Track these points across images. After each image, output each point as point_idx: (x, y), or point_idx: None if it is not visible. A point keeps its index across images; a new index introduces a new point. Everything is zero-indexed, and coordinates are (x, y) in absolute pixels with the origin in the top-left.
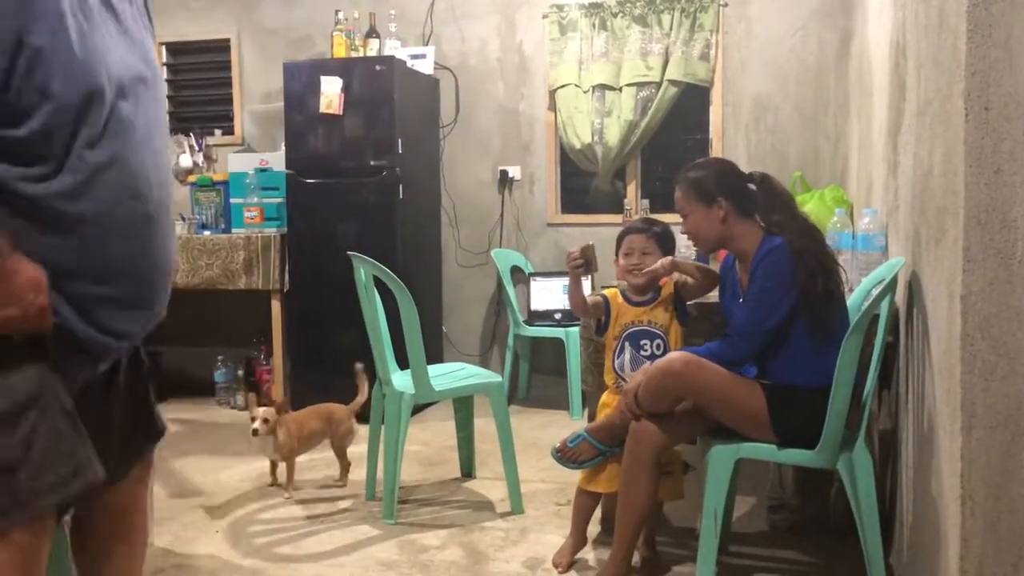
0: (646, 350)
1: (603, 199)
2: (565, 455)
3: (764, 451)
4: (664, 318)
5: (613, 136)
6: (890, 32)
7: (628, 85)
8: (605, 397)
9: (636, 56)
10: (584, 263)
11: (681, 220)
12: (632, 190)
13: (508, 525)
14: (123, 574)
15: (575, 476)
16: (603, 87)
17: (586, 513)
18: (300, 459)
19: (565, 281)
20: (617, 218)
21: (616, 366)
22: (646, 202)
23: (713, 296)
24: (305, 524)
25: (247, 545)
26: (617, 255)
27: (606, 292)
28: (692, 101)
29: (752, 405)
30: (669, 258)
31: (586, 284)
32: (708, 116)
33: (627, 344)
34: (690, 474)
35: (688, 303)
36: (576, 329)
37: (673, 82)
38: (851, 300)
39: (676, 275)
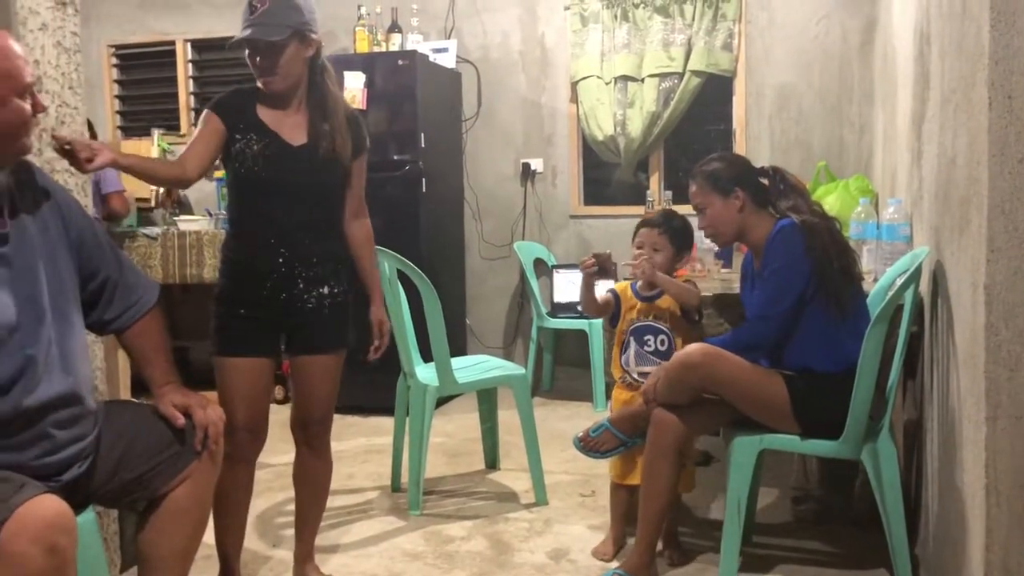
0: (650, 345)
1: (626, 191)
2: (588, 445)
3: (787, 442)
4: (669, 315)
5: (636, 127)
6: (914, 20)
7: (650, 76)
8: (616, 392)
9: (658, 47)
10: (599, 270)
11: (698, 216)
12: (655, 181)
13: (532, 516)
14: (180, 556)
15: (599, 467)
16: (625, 78)
17: (623, 507)
18: None
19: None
20: (640, 209)
21: (622, 361)
22: (669, 193)
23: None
24: (331, 515)
25: (274, 536)
26: (632, 245)
27: (616, 286)
28: (715, 91)
29: (774, 396)
30: (652, 270)
31: (609, 283)
32: (731, 106)
33: (632, 339)
34: (713, 465)
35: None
36: (599, 321)
37: (696, 73)
38: (875, 290)
39: (685, 271)
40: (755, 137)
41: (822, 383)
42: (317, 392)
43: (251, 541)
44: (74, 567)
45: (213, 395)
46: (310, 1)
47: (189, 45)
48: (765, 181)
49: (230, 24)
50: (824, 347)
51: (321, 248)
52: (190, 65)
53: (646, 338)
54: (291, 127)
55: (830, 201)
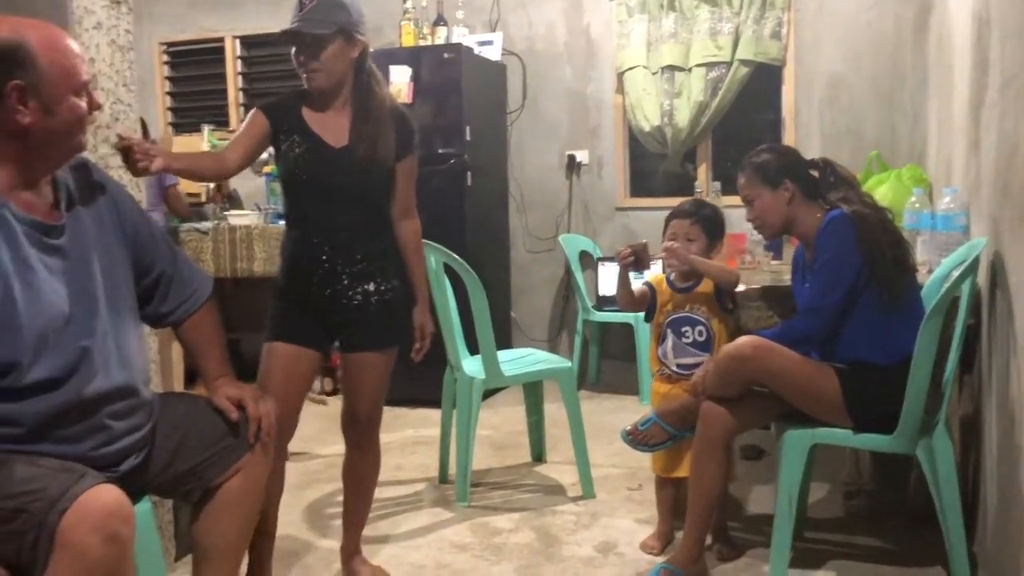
0: (687, 336)
1: (673, 182)
2: (636, 438)
3: (840, 436)
4: (706, 304)
5: (683, 118)
6: (972, 4)
7: (698, 66)
8: (654, 384)
9: (705, 36)
10: (634, 260)
11: (746, 207)
12: (703, 172)
13: (579, 509)
14: (232, 546)
15: (646, 461)
16: (672, 68)
17: (670, 501)
18: None
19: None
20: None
21: (660, 354)
22: (718, 184)
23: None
24: (380, 506)
25: (324, 526)
26: (664, 236)
27: (651, 279)
28: (764, 80)
29: (826, 389)
30: (685, 254)
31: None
32: (780, 96)
33: (669, 331)
34: (764, 459)
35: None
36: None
37: (744, 62)
38: (930, 281)
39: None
40: (805, 126)
41: (875, 376)
42: (364, 389)
43: (300, 531)
44: (132, 555)
45: None
46: (359, 3)
47: (238, 42)
48: (815, 173)
49: (278, 20)
50: (877, 339)
51: (365, 246)
52: (239, 61)
53: (684, 329)
54: (333, 129)
55: (882, 191)
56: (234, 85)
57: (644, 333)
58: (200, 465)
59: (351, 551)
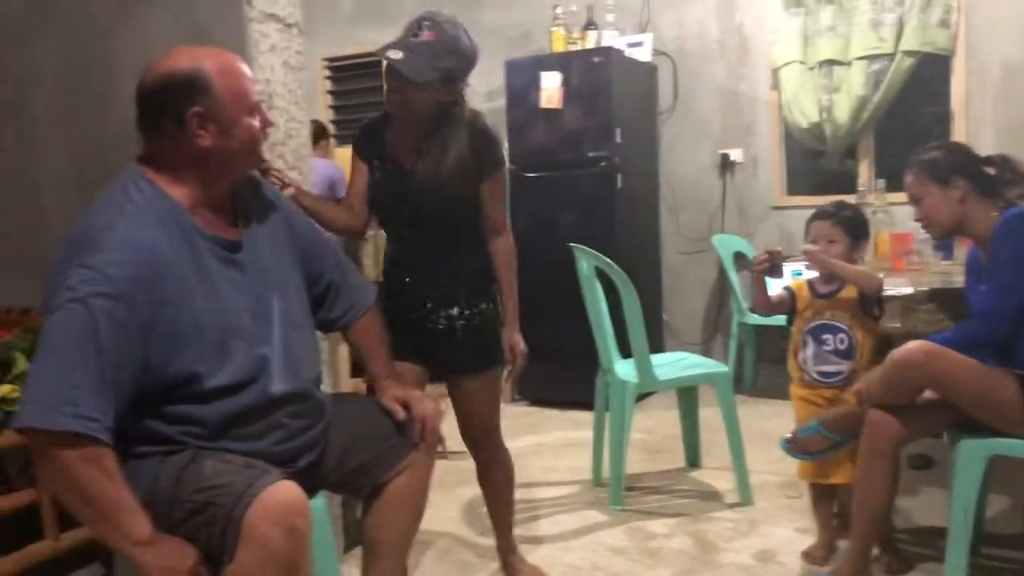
0: (828, 344)
1: (833, 179)
2: (796, 446)
3: (1022, 447)
4: (849, 311)
5: (843, 113)
6: None
7: (858, 59)
8: (793, 390)
9: (866, 28)
10: (770, 266)
11: (913, 207)
12: (864, 169)
13: (737, 516)
14: (400, 542)
15: None
16: (830, 62)
17: (827, 508)
18: (526, 444)
19: (794, 266)
20: (850, 198)
21: (800, 360)
22: (882, 182)
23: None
24: (534, 507)
25: (481, 525)
26: (806, 240)
27: (792, 284)
28: (930, 72)
29: (1004, 397)
30: (824, 258)
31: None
32: (949, 87)
33: (810, 338)
34: (933, 468)
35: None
36: None
37: (909, 53)
38: None
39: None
40: (977, 119)
41: None
42: (466, 410)
43: (460, 529)
44: (309, 547)
45: (433, 388)
46: (473, 52)
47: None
48: (991, 170)
49: None
50: None
51: (448, 270)
52: None
53: (825, 337)
54: (414, 151)
55: None
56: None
57: None
58: (369, 463)
59: (507, 550)
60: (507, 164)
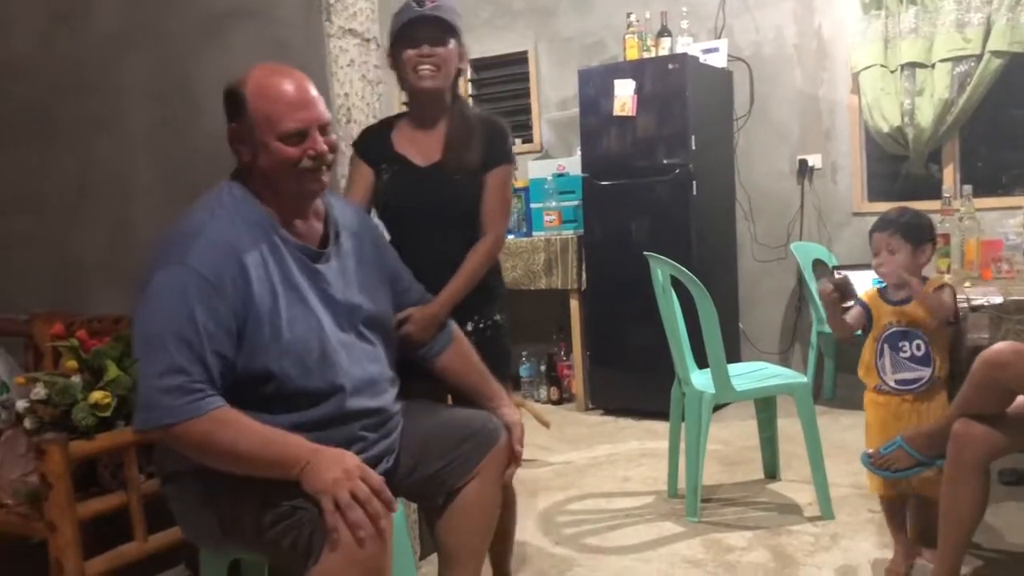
0: (905, 351)
1: (916, 185)
2: (878, 462)
3: None
4: (924, 316)
5: (926, 117)
6: None
7: (942, 61)
8: (868, 397)
9: (951, 28)
10: (839, 296)
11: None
12: (950, 174)
13: (817, 530)
14: (473, 549)
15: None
16: (913, 65)
17: (900, 518)
18: (600, 453)
19: (873, 273)
20: (935, 204)
21: (878, 368)
22: (968, 187)
23: None
24: (610, 517)
25: (556, 534)
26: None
27: (864, 295)
28: (1020, 72)
29: None
30: (895, 274)
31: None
32: None
33: (886, 346)
34: None
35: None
36: None
37: (997, 53)
38: None
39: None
40: None
41: None
42: None
43: (535, 537)
44: (391, 552)
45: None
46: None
47: (468, 65)
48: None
49: (507, 43)
50: None
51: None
52: (469, 84)
53: (901, 344)
54: (423, 148)
55: None
56: None
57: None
58: (441, 471)
59: None
60: (515, 162)
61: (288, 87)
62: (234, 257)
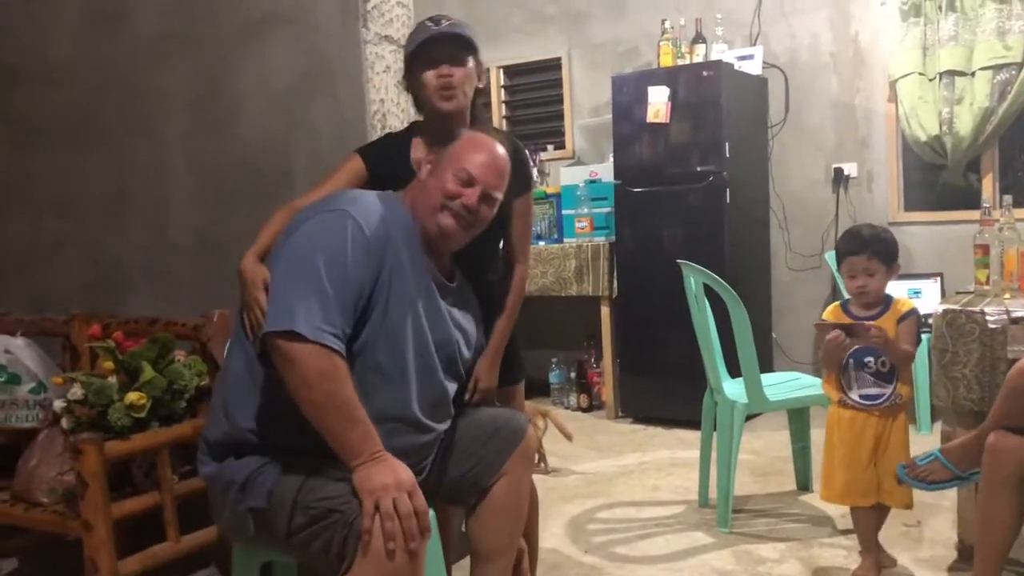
0: (870, 367)
1: (954, 194)
2: (914, 474)
3: None
4: (890, 333)
5: (965, 125)
6: None
7: (982, 69)
8: (832, 411)
9: (992, 36)
10: (848, 337)
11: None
12: (988, 183)
13: (850, 543)
14: (503, 548)
15: (926, 495)
16: (952, 73)
17: (871, 528)
18: (630, 462)
19: (911, 284)
20: (973, 214)
21: (842, 382)
22: (1008, 197)
23: None
24: (639, 526)
25: (585, 542)
26: (840, 272)
27: (827, 314)
28: None
29: None
30: (884, 341)
31: None
32: None
33: (851, 361)
34: None
35: None
36: (926, 337)
37: None
38: None
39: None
40: None
41: None
42: None
43: (564, 545)
44: (425, 555)
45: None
46: None
47: (501, 71)
48: None
49: (537, 48)
50: None
51: (480, 293)
52: (502, 90)
53: (866, 360)
54: None
55: None
56: (497, 112)
57: (923, 358)
58: (470, 471)
59: None
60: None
61: (493, 149)
62: (388, 237)
